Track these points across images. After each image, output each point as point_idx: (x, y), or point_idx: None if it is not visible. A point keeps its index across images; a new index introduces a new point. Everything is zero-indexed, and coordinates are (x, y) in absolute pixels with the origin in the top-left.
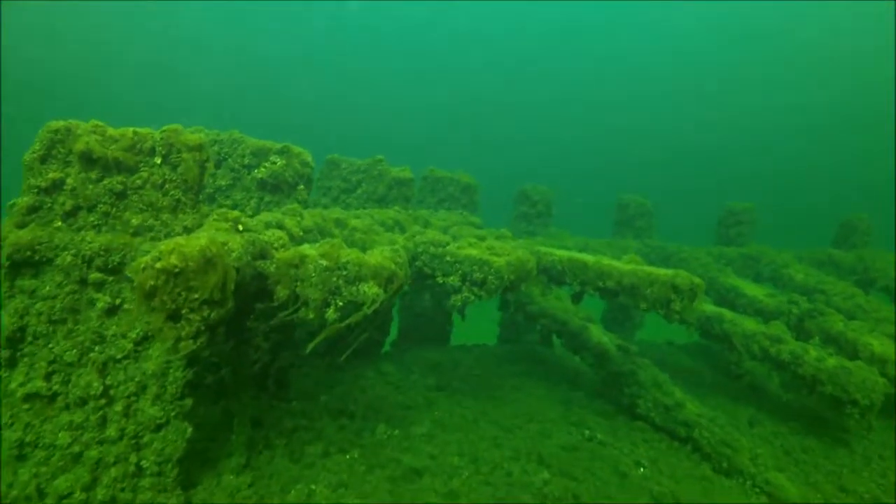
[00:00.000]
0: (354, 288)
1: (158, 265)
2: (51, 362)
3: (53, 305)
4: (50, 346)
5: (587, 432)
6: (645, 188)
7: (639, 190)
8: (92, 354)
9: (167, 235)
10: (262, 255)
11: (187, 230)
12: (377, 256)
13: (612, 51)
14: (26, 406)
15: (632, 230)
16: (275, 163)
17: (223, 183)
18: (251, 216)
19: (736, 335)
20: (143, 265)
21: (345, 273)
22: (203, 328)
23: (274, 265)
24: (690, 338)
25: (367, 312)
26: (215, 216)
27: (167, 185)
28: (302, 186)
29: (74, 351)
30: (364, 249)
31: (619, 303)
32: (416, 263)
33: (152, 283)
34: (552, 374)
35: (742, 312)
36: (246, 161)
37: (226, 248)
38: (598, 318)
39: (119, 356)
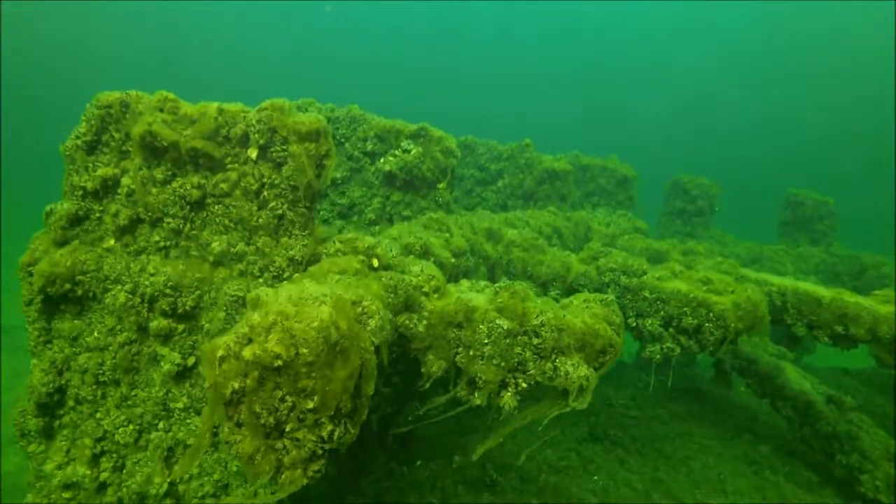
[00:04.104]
0: (549, 365)
1: (247, 354)
2: (98, 440)
3: (102, 360)
4: (97, 416)
5: None
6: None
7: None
8: (154, 435)
9: (264, 270)
10: (408, 306)
11: (294, 263)
12: (583, 314)
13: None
14: (67, 496)
15: (808, 234)
16: (408, 151)
17: (337, 175)
18: (374, 221)
19: None
20: (220, 353)
21: (537, 342)
22: (321, 452)
23: (424, 322)
24: (866, 362)
25: (575, 407)
26: (338, 244)
27: (266, 193)
28: (443, 185)
29: (131, 427)
30: (526, 273)
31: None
32: None
33: (236, 384)
34: (724, 417)
35: None
36: (369, 147)
37: (362, 313)
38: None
39: (192, 441)
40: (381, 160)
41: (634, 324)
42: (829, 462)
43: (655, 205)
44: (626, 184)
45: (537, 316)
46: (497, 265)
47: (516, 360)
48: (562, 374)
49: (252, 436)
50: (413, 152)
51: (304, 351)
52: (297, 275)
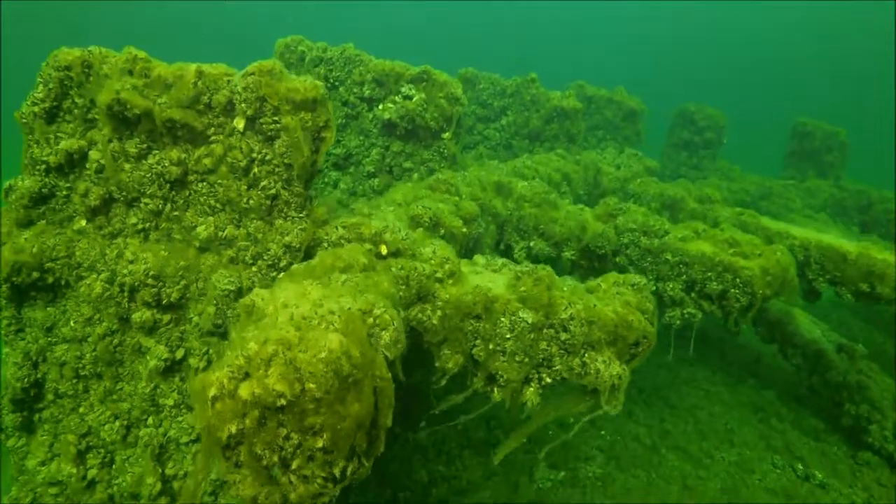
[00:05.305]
0: (578, 360)
1: (244, 393)
2: (83, 436)
3: (81, 353)
4: (80, 410)
5: (800, 467)
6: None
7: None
8: (144, 431)
9: (257, 258)
10: (421, 297)
11: (292, 251)
12: (614, 301)
13: None
14: (53, 492)
15: (815, 166)
16: (409, 97)
17: None
18: (372, 174)
19: None
20: (212, 391)
21: (566, 337)
22: (330, 487)
23: (438, 313)
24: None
25: (609, 411)
26: (341, 230)
27: (256, 170)
28: (448, 135)
29: (117, 424)
30: (538, 231)
31: None
32: (618, 259)
33: (234, 427)
34: (729, 360)
35: None
36: (366, 92)
37: (375, 325)
38: None
39: (185, 439)
40: (380, 107)
41: (654, 287)
42: (836, 410)
43: (653, 134)
44: (634, 117)
45: (565, 308)
46: (507, 223)
47: (541, 355)
48: (592, 371)
49: (254, 477)
50: (415, 99)
51: (312, 386)
52: (295, 266)
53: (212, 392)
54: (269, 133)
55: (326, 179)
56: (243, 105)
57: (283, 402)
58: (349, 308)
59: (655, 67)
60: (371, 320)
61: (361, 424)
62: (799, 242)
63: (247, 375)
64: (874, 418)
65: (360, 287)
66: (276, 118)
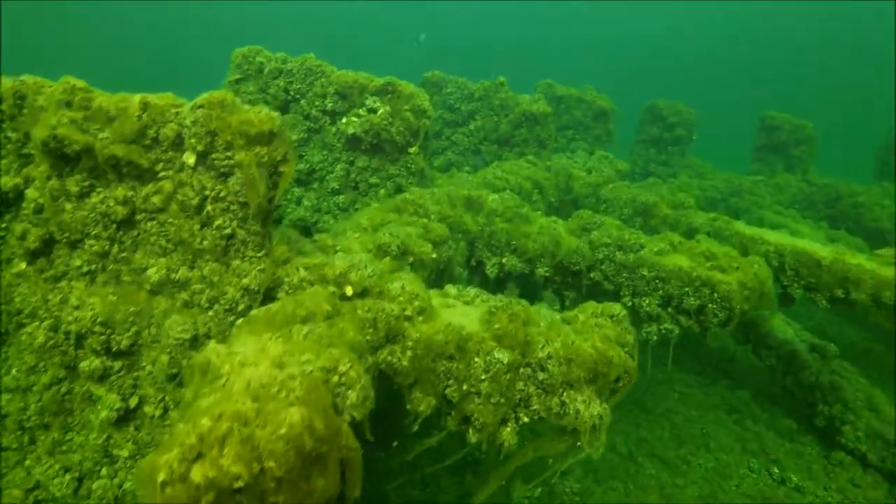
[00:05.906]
0: (556, 400)
1: (197, 476)
2: (30, 490)
3: (25, 403)
4: (26, 464)
5: (776, 470)
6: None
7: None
8: (97, 483)
9: (214, 302)
10: (390, 337)
11: (250, 293)
12: (593, 336)
13: None
14: None
15: (783, 160)
16: (373, 110)
17: (294, 136)
18: (337, 191)
19: None
20: (161, 476)
21: (543, 376)
22: None
23: (409, 353)
24: None
25: (590, 454)
26: (303, 271)
27: (210, 208)
28: (415, 149)
29: (68, 477)
30: (510, 247)
31: None
32: (592, 275)
33: None
34: (702, 361)
35: None
36: (328, 105)
37: (340, 383)
38: None
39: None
40: (344, 120)
41: (630, 303)
42: (809, 410)
43: (623, 131)
44: (605, 117)
45: (543, 346)
46: (478, 239)
47: (518, 396)
48: (571, 412)
49: None
50: (380, 112)
51: (272, 465)
52: (255, 312)
53: (161, 476)
54: (223, 169)
55: (289, 196)
56: (193, 140)
57: (240, 484)
58: (311, 371)
59: (641, 63)
60: (336, 378)
61: (328, 500)
62: (773, 248)
63: (199, 455)
64: (847, 419)
65: (324, 339)
66: (228, 153)
